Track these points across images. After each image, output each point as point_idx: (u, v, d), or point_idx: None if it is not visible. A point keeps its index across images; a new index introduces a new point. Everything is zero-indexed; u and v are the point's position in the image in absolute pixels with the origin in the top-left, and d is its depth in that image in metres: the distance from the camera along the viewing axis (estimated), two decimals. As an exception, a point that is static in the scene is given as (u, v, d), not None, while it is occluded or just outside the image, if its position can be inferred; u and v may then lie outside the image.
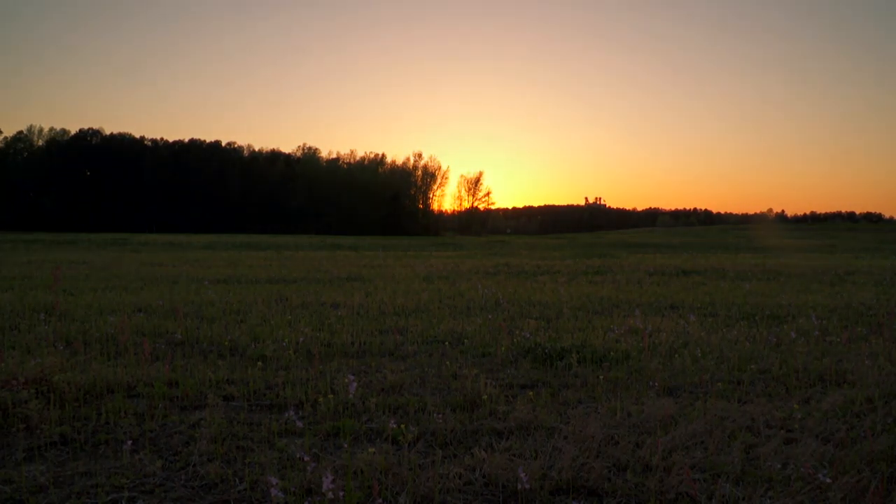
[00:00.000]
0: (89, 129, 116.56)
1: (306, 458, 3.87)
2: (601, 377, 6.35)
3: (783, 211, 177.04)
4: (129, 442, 4.30)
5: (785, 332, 8.75)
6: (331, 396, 5.50)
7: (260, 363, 6.91)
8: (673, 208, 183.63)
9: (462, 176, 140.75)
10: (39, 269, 20.21)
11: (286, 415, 4.88)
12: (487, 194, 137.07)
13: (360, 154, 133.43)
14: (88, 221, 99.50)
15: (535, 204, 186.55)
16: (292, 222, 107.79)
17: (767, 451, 4.32)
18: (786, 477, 3.95)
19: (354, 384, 5.30)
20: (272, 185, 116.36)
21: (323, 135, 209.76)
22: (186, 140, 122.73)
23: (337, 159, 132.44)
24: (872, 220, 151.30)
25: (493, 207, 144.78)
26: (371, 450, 4.27)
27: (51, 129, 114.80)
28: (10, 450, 4.42)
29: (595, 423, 4.82)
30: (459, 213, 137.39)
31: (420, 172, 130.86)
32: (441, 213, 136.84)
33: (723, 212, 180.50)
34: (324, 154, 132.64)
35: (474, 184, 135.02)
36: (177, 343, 8.06)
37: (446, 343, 8.24)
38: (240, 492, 3.80)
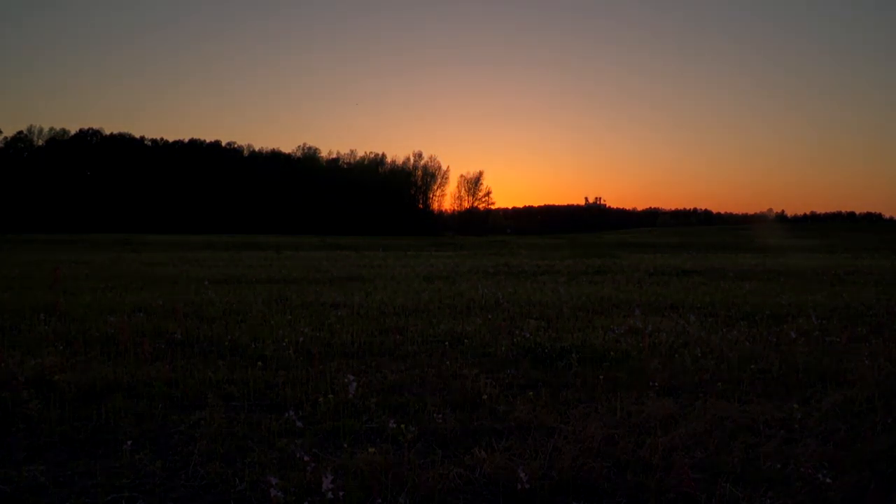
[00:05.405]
0: (89, 129, 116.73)
1: (306, 458, 3.87)
2: (601, 377, 6.35)
3: (783, 211, 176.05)
4: (129, 442, 4.30)
5: (785, 332, 8.74)
6: (331, 396, 5.49)
7: (260, 363, 6.91)
8: (673, 208, 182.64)
9: (462, 176, 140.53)
10: (39, 269, 20.21)
11: (286, 415, 4.88)
12: (487, 194, 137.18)
13: (360, 154, 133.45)
14: (88, 221, 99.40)
15: (535, 204, 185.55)
16: (292, 222, 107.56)
17: (767, 451, 4.32)
18: (786, 477, 3.95)
19: (354, 384, 5.32)
20: (272, 185, 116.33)
21: (323, 135, 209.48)
22: (186, 140, 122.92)
23: (337, 159, 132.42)
24: (872, 220, 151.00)
25: (493, 207, 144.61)
26: (371, 450, 4.27)
27: (51, 129, 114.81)
28: (10, 450, 4.42)
29: (595, 423, 4.82)
30: (459, 212, 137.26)
31: (420, 172, 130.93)
32: (441, 213, 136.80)
33: (723, 212, 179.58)
34: (324, 154, 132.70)
35: (474, 184, 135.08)
36: (177, 343, 8.05)
37: (446, 343, 8.24)
38: (240, 491, 3.80)
